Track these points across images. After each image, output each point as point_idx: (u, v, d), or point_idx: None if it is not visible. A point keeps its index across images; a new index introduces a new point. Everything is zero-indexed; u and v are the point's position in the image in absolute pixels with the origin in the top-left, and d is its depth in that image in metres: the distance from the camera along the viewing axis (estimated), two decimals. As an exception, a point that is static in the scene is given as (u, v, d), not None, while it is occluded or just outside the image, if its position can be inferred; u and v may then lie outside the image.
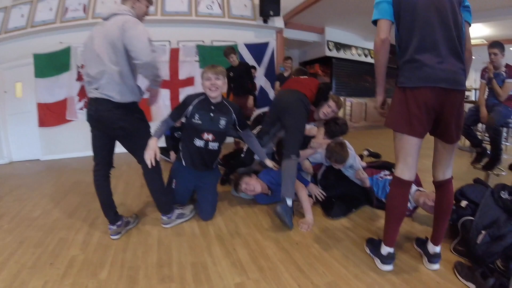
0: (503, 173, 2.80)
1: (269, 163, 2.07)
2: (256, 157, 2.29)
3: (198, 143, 1.81)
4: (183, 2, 4.38)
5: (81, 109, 4.12)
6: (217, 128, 1.82)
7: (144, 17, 1.66)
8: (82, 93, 4.12)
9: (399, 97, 1.14)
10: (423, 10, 1.09)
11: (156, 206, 1.75)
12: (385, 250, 1.35)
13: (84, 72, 1.60)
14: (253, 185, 2.03)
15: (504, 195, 1.51)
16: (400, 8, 1.13)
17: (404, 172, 1.21)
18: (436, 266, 1.37)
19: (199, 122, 1.77)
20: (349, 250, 1.57)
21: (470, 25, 1.20)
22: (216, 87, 1.75)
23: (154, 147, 1.63)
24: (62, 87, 4.07)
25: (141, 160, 1.64)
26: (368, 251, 1.50)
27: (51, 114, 4.06)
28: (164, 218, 1.74)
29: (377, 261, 1.39)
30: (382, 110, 1.34)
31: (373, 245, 1.49)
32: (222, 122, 1.82)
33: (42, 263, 1.43)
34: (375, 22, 1.18)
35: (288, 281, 1.30)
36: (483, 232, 1.39)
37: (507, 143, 2.91)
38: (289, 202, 1.75)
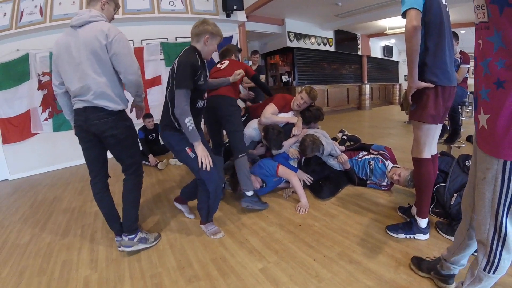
0: (463, 145, 3.22)
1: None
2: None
3: (200, 104, 1.66)
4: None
5: (45, 120, 3.83)
6: (207, 83, 1.74)
7: (112, 20, 1.60)
8: (45, 102, 3.81)
9: (429, 94, 1.34)
10: (443, 22, 1.32)
11: (123, 221, 1.60)
12: (424, 221, 1.52)
13: (56, 84, 1.52)
14: None
15: (469, 163, 1.79)
16: (430, 13, 1.28)
17: (428, 154, 1.45)
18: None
19: (203, 82, 1.61)
20: (345, 223, 1.77)
21: None
22: None
23: (204, 150, 1.56)
24: (23, 98, 3.73)
25: (126, 168, 1.61)
26: (403, 236, 1.54)
27: (15, 129, 3.70)
28: (125, 239, 1.56)
29: (419, 236, 1.52)
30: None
31: (404, 228, 1.56)
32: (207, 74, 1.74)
33: (55, 292, 1.32)
34: (404, 14, 1.27)
35: (303, 258, 1.44)
36: (455, 195, 1.66)
37: (463, 118, 3.32)
38: (249, 193, 1.98)
